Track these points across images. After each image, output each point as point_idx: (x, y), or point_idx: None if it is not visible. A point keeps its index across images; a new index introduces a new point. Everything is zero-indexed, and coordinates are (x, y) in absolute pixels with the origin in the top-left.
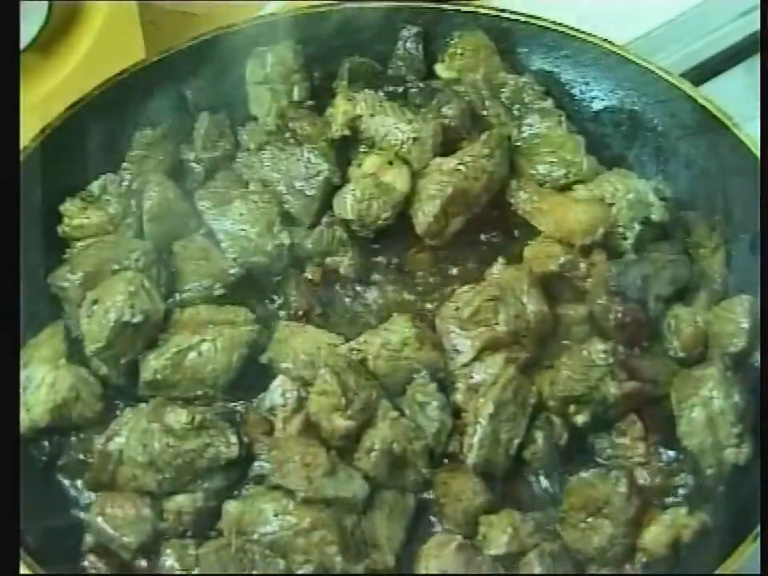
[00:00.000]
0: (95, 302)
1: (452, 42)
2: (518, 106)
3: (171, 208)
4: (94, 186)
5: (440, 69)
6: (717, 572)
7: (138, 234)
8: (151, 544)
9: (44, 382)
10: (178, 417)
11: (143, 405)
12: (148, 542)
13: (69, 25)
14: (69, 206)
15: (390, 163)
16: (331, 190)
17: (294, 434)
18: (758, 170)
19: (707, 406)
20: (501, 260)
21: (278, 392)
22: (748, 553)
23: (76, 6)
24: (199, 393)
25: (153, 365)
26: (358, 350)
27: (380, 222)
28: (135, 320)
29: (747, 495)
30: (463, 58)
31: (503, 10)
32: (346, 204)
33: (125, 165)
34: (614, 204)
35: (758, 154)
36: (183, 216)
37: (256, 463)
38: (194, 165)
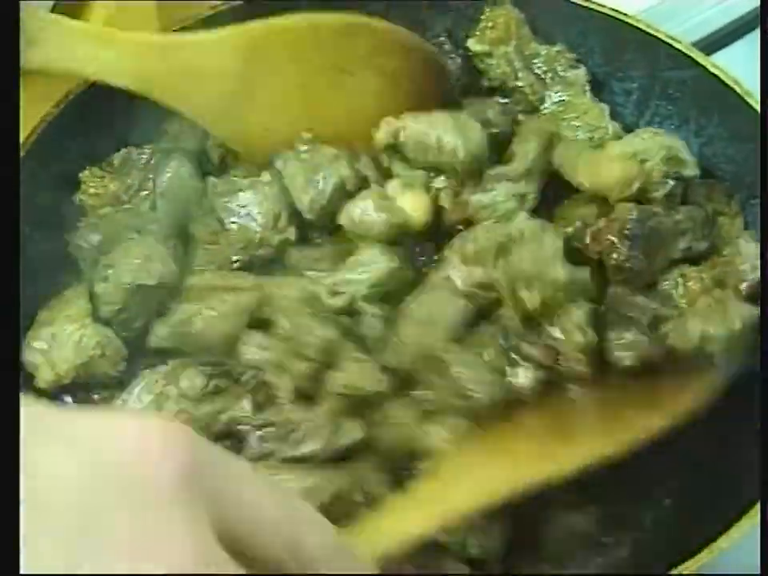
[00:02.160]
0: (110, 265)
1: (482, 16)
2: (550, 75)
3: (185, 187)
4: (115, 158)
5: (472, 43)
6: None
7: (152, 208)
8: None
9: (70, 340)
10: (193, 381)
11: (162, 367)
12: None
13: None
14: (88, 174)
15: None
16: (344, 194)
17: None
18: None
19: None
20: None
21: None
22: None
23: None
24: (205, 359)
25: (158, 331)
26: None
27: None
28: (150, 282)
29: None
30: (494, 31)
31: None
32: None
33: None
34: (647, 160)
35: None
36: (197, 198)
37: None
38: (214, 150)
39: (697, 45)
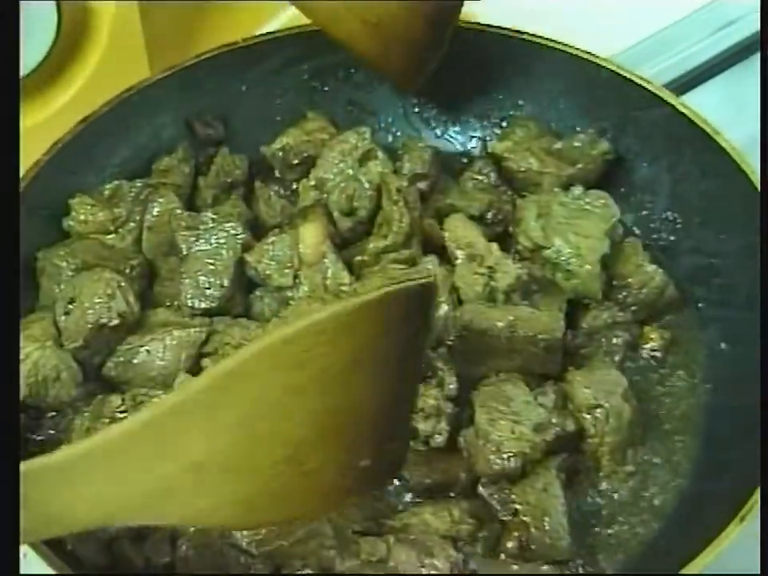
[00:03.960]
0: (72, 300)
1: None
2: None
3: (170, 222)
4: (107, 188)
5: (493, 145)
6: None
7: (136, 241)
8: None
9: (29, 358)
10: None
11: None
12: None
13: (74, 48)
14: (78, 201)
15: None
16: None
17: None
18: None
19: None
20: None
21: None
22: None
23: (83, 23)
24: (151, 392)
25: (108, 362)
26: None
27: None
28: (112, 323)
29: None
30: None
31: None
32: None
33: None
34: None
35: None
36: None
37: None
38: (207, 190)
39: (669, 86)
